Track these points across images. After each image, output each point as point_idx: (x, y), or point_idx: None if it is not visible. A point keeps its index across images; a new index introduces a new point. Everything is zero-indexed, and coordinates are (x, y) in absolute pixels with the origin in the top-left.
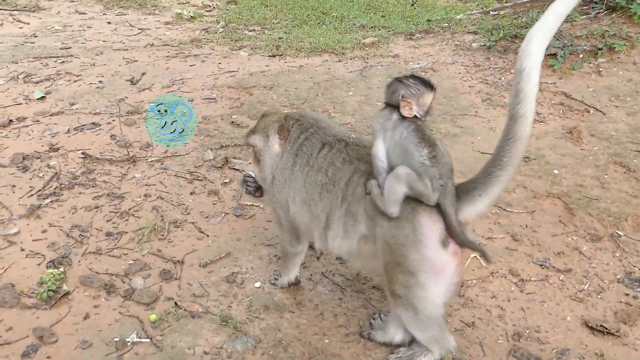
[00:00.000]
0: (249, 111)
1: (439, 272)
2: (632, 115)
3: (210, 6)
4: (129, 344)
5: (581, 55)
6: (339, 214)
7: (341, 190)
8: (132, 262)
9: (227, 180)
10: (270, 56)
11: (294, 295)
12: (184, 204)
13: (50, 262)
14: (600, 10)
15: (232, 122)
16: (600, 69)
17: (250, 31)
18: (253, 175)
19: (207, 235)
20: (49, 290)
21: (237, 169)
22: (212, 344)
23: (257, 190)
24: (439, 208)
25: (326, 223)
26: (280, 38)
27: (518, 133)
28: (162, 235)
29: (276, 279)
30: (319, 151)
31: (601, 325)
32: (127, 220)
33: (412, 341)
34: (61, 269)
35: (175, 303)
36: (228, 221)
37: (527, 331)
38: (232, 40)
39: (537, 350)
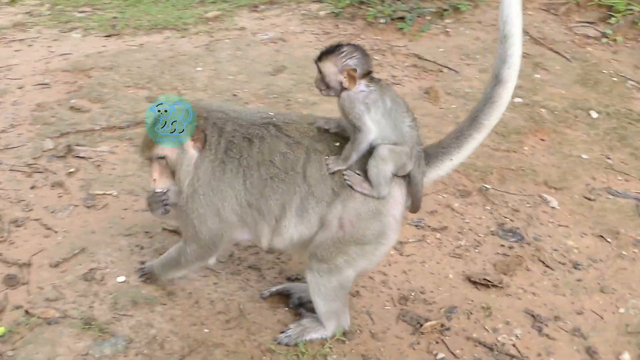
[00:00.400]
0: (89, 94)
1: (391, 242)
2: (483, 72)
3: None
4: None
5: (428, 18)
6: (298, 198)
7: (299, 174)
8: None
9: (72, 170)
10: (106, 36)
11: (163, 285)
12: (24, 200)
13: None
14: None
15: (71, 107)
16: (448, 30)
17: (80, 12)
18: (162, 190)
19: (56, 232)
20: None
21: (83, 157)
22: (76, 351)
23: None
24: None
25: (280, 214)
26: (114, 17)
27: (501, 96)
28: (2, 237)
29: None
30: (250, 148)
31: (483, 279)
32: None
33: (301, 317)
34: None
35: (26, 311)
36: (78, 213)
37: (412, 294)
38: (61, 22)
39: (425, 311)
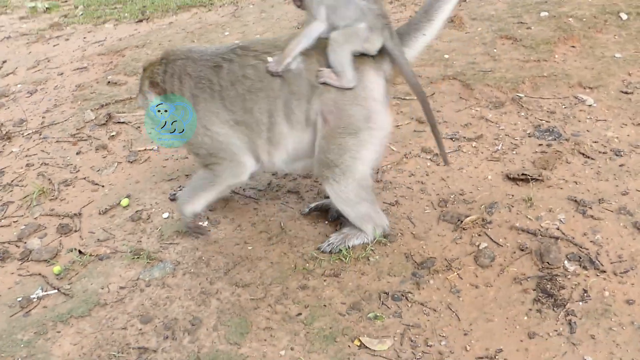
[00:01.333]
0: (125, 69)
1: (381, 127)
2: None
3: None
4: (34, 299)
5: None
6: (281, 101)
7: (275, 78)
8: (23, 226)
9: (114, 134)
10: (137, 21)
11: (206, 215)
12: (72, 164)
13: None
14: None
15: (109, 82)
16: None
17: (112, 9)
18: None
19: (102, 186)
20: None
21: (123, 122)
22: (127, 278)
23: None
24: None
25: (269, 122)
26: (144, 6)
27: None
28: (53, 196)
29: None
30: (219, 72)
31: (523, 174)
32: (11, 191)
33: (341, 226)
34: None
35: (80, 251)
36: (122, 169)
37: (451, 196)
38: (94, 18)
39: (465, 210)
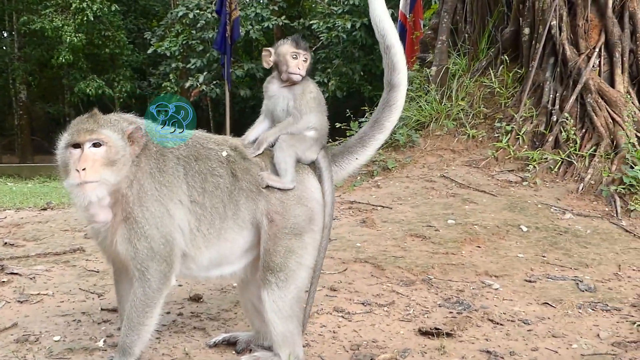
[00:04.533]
0: (24, 236)
1: (319, 230)
2: (415, 207)
3: None
4: None
5: (358, 177)
6: (232, 196)
7: (228, 171)
8: None
9: (4, 280)
10: (41, 209)
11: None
12: None
13: None
14: None
15: (5, 243)
16: (379, 184)
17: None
18: (95, 180)
19: None
20: None
21: (17, 273)
22: None
23: None
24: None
25: (223, 212)
26: (49, 201)
27: (397, 99)
28: None
29: None
30: (186, 147)
31: (435, 329)
32: None
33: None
34: None
35: None
36: (11, 307)
37: (364, 342)
38: None
39: (379, 352)
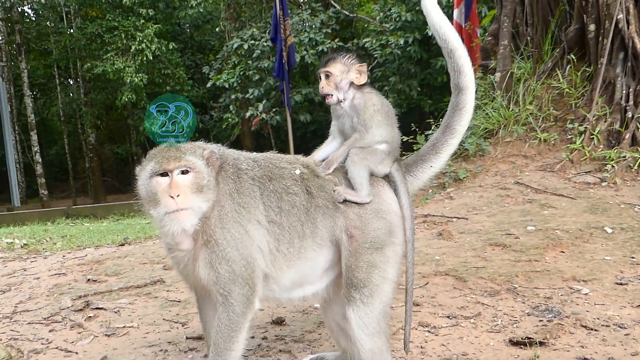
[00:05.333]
0: (105, 271)
1: (401, 242)
2: (492, 216)
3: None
4: None
5: (430, 190)
6: (308, 213)
7: (303, 190)
8: None
9: (91, 315)
10: (119, 245)
11: None
12: (43, 337)
13: None
14: None
15: (88, 280)
16: (452, 195)
17: (92, 239)
18: (187, 208)
19: (76, 353)
20: None
21: (102, 308)
22: None
23: None
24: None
25: (301, 231)
26: (126, 237)
27: (466, 102)
28: None
29: None
30: (258, 166)
31: (527, 338)
32: None
33: None
34: None
35: None
36: (99, 341)
37: (454, 356)
38: (75, 245)
39: None
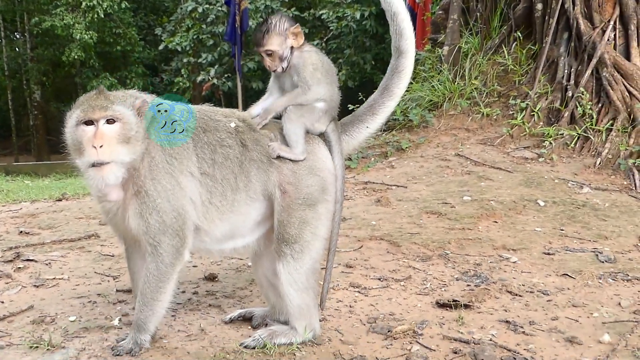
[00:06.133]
0: (39, 224)
1: (333, 200)
2: (430, 185)
3: None
4: None
5: (372, 159)
6: (242, 167)
7: (238, 142)
8: None
9: (21, 266)
10: (57, 200)
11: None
12: None
13: None
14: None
15: (21, 232)
16: (393, 164)
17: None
18: (110, 161)
19: (2, 302)
20: None
21: (33, 259)
22: None
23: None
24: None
25: (235, 184)
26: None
27: (405, 66)
28: None
29: (123, 342)
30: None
31: (453, 301)
32: None
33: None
34: None
35: None
36: (27, 291)
37: (381, 316)
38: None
39: (395, 324)
